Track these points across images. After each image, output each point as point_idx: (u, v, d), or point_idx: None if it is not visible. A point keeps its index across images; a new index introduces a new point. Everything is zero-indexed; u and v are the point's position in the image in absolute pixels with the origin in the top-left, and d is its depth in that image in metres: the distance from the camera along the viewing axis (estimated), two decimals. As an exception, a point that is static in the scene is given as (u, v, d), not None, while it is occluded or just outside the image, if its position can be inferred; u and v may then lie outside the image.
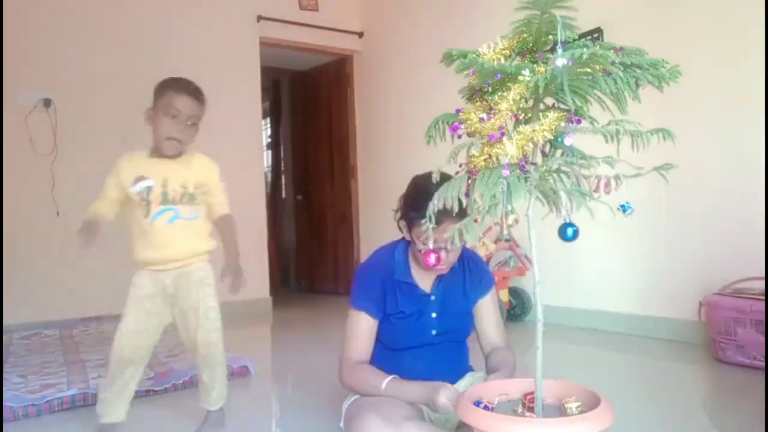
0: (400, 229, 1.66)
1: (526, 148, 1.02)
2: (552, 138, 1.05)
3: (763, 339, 2.47)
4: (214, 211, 1.93)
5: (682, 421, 2.01)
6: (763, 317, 2.46)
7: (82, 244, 1.73)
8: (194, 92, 1.86)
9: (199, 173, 1.90)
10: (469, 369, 1.76)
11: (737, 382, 1.95)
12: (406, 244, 1.69)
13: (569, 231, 1.02)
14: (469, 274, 1.71)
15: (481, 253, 3.72)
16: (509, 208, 1.00)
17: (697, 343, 2.96)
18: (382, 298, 1.63)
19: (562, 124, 1.03)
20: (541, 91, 1.01)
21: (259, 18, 4.91)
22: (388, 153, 5.24)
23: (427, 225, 1.07)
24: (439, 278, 1.67)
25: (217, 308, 1.91)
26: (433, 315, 1.65)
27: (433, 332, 1.65)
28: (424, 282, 1.67)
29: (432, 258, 1.22)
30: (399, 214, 1.65)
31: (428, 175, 1.21)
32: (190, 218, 1.87)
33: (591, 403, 1.10)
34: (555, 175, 1.07)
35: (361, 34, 5.47)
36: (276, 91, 6.93)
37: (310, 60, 5.76)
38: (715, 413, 2.16)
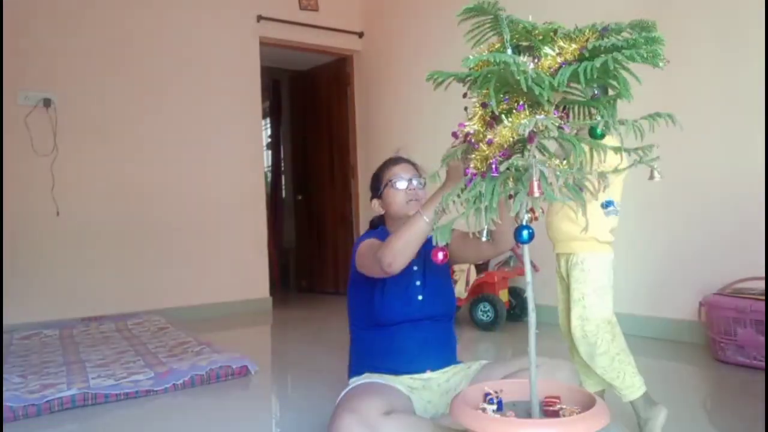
0: (376, 213, 1.84)
1: (506, 146, 1.02)
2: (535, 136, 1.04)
3: (763, 339, 2.47)
4: None
5: (682, 421, 2.01)
6: (763, 317, 2.46)
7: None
8: None
9: None
10: (459, 363, 1.76)
11: (737, 382, 1.95)
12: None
13: (525, 233, 1.01)
14: None
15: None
16: (493, 209, 0.99)
17: (697, 343, 2.96)
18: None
19: (552, 123, 1.02)
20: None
21: (259, 18, 4.91)
22: (388, 153, 5.20)
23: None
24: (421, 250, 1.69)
25: (589, 295, 1.81)
26: (417, 283, 1.73)
27: (419, 297, 1.71)
28: None
29: (440, 255, 1.22)
30: (372, 202, 1.84)
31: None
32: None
33: (586, 403, 1.09)
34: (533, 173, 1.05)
35: (361, 34, 5.47)
36: (276, 91, 6.94)
37: (310, 60, 5.77)
38: (715, 413, 2.16)
